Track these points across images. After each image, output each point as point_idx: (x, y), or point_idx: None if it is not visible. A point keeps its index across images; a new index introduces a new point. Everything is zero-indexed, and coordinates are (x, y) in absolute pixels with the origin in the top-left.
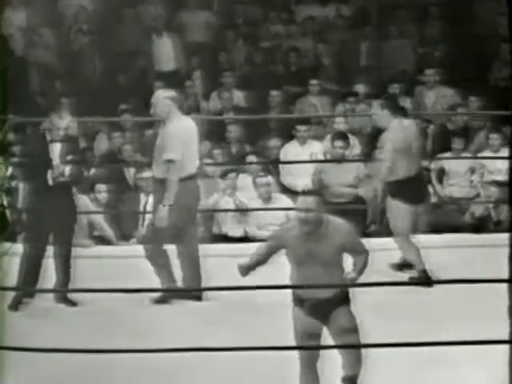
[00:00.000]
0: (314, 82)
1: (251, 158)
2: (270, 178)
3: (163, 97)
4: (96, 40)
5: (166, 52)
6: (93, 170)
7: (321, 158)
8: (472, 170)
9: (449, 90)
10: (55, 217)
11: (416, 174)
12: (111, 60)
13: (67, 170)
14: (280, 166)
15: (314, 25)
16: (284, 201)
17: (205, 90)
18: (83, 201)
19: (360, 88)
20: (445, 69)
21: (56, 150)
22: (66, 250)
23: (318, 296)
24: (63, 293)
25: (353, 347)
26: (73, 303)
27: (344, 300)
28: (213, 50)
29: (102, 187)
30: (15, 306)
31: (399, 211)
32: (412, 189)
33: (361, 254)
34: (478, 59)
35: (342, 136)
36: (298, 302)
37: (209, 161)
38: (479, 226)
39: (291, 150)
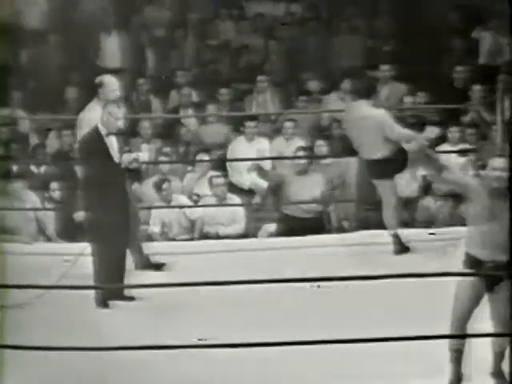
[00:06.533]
0: (261, 78)
1: (202, 156)
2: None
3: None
4: (49, 37)
5: (114, 49)
6: (44, 168)
7: (268, 155)
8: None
9: (401, 85)
10: None
11: None
12: (63, 56)
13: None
14: (227, 163)
15: (264, 21)
16: (236, 201)
17: (157, 88)
18: (31, 197)
19: (313, 85)
20: (395, 64)
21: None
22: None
23: (497, 259)
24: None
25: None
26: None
27: None
28: (163, 47)
29: (54, 185)
30: (104, 302)
31: None
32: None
33: None
34: (428, 54)
35: (305, 148)
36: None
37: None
38: None
39: (238, 147)
